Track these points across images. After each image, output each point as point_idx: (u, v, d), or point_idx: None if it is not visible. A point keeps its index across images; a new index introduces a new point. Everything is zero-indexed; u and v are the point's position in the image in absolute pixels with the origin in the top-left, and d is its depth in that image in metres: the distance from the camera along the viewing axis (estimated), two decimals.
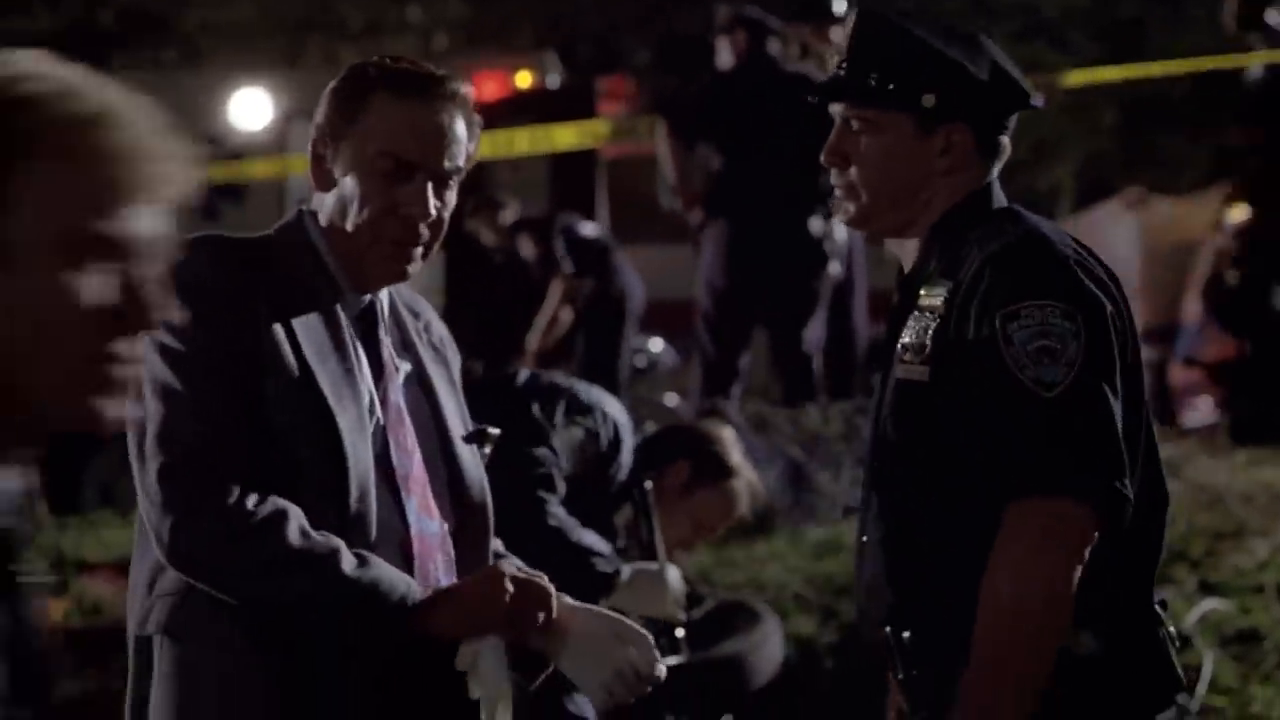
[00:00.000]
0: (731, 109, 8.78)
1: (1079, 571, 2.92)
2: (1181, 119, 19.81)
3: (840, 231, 9.07)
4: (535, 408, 4.69)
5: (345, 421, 2.95)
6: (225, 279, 2.97)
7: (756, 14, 9.14)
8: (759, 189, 8.67)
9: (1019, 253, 3.04)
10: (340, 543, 2.89)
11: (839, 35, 8.93)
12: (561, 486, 4.66)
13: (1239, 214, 9.45)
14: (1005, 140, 3.21)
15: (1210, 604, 6.50)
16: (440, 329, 3.25)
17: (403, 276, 3.08)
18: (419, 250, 3.04)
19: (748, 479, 5.06)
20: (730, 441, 5.08)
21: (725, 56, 9.12)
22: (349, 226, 3.03)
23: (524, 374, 4.91)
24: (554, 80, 12.02)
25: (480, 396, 3.55)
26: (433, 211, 3.03)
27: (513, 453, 3.70)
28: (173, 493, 2.88)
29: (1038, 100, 3.19)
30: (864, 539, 3.19)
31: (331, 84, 3.10)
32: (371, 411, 3.01)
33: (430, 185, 3.02)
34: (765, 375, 9.40)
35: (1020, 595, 2.91)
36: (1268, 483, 7.67)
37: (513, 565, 3.12)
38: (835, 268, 9.07)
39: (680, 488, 4.97)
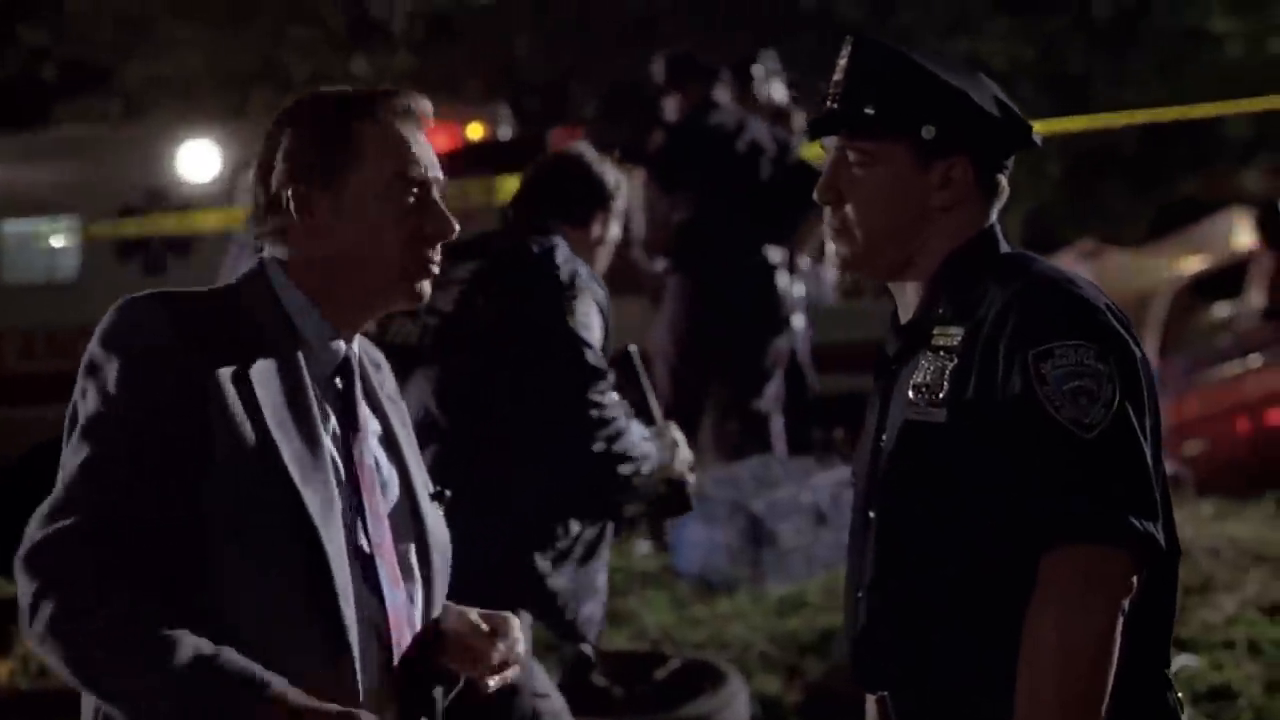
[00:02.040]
0: (691, 158, 8.68)
1: (1120, 625, 2.80)
2: (1128, 172, 19.90)
3: (800, 287, 8.98)
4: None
5: (314, 502, 2.74)
6: (173, 343, 2.74)
7: (705, 61, 9.05)
8: (723, 240, 8.58)
9: (1047, 292, 2.92)
10: (179, 638, 2.63)
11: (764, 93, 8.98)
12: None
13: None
14: (1004, 180, 3.09)
15: (1181, 661, 6.40)
16: (393, 381, 3.08)
17: (423, 297, 2.92)
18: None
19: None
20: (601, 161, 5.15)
21: (671, 105, 9.01)
22: (369, 262, 2.85)
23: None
24: (505, 131, 11.88)
25: None
26: (457, 226, 2.90)
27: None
28: (40, 564, 2.66)
29: (1038, 138, 3.08)
30: (858, 593, 3.06)
31: (289, 127, 2.88)
32: (339, 480, 2.81)
33: (441, 200, 2.90)
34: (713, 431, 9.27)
35: (1067, 649, 2.77)
36: (1234, 536, 7.59)
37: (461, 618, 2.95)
38: (799, 321, 8.98)
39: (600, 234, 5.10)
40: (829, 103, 3.11)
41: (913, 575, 2.96)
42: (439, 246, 2.90)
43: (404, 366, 4.57)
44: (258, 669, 2.65)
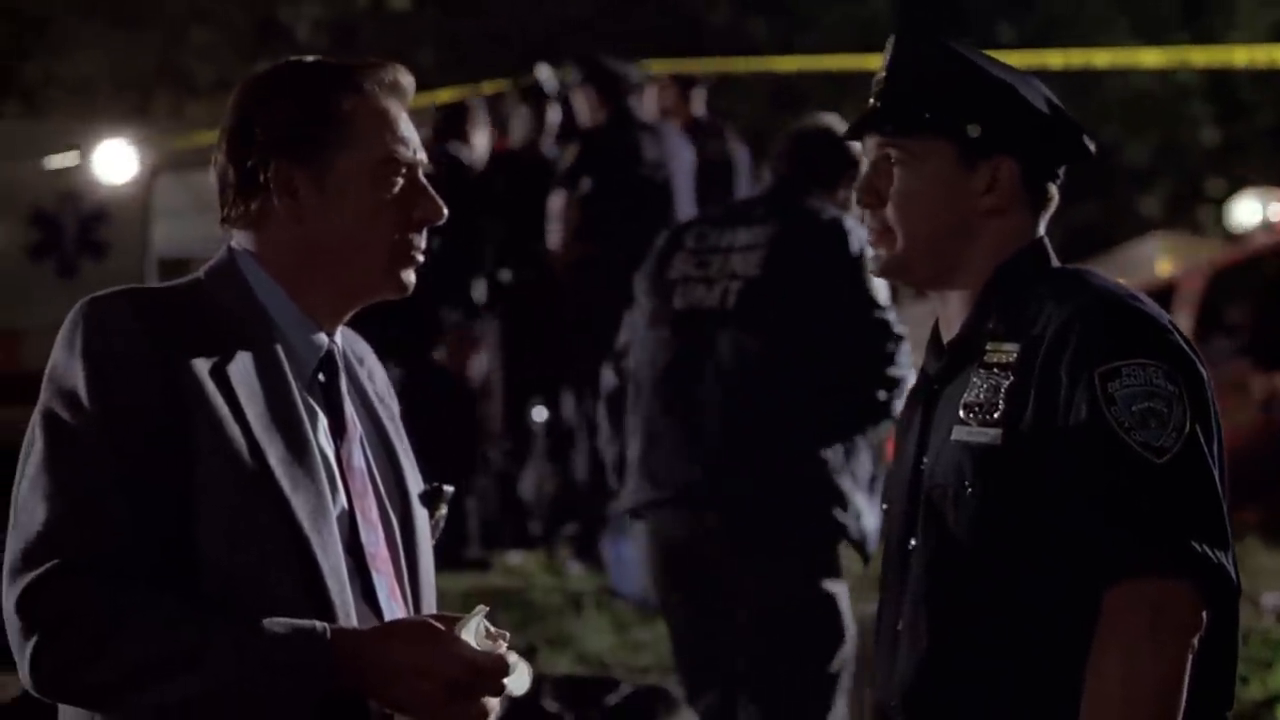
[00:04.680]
0: (605, 168, 8.51)
1: (1190, 665, 2.64)
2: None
3: None
4: None
5: (305, 509, 2.50)
6: (145, 342, 2.48)
7: (616, 67, 8.86)
8: (638, 249, 8.40)
9: (1112, 309, 2.75)
10: (216, 627, 2.42)
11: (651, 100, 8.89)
12: None
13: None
14: (1054, 189, 2.93)
15: None
16: (382, 374, 2.82)
17: (409, 287, 2.67)
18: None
19: None
20: None
21: (581, 112, 8.82)
22: (356, 248, 2.60)
23: None
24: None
25: None
26: (445, 211, 2.66)
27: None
28: (33, 613, 2.40)
29: (1091, 144, 2.93)
30: (897, 626, 2.88)
31: (266, 97, 2.61)
32: (333, 486, 2.57)
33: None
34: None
35: (1135, 691, 2.59)
36: None
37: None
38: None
39: None
40: (871, 100, 2.94)
41: (963, 609, 2.79)
42: (424, 233, 2.66)
43: (702, 329, 5.01)
44: (300, 622, 2.45)
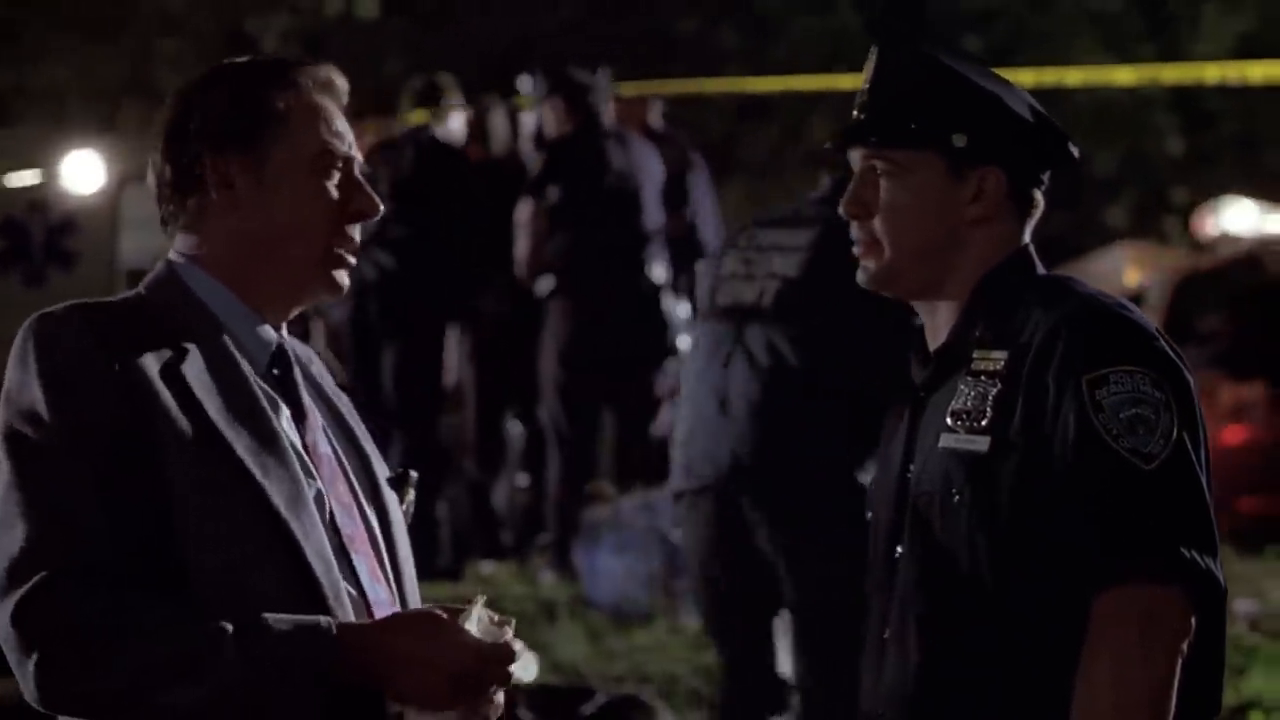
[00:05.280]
0: (572, 177, 8.50)
1: (1179, 671, 2.64)
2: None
3: (686, 309, 8.82)
4: None
5: (280, 494, 2.50)
6: (98, 353, 2.48)
7: (580, 76, 8.85)
8: (604, 262, 8.41)
9: (1098, 316, 2.77)
10: (219, 628, 2.41)
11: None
12: None
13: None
14: (1040, 196, 2.94)
15: None
16: (329, 375, 2.83)
17: (343, 288, 2.68)
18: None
19: None
20: None
21: (549, 122, 8.80)
22: (293, 240, 2.61)
23: None
24: None
25: None
26: (381, 206, 2.69)
27: None
28: (31, 629, 2.40)
29: (1075, 150, 2.94)
30: (884, 635, 2.88)
31: (203, 94, 2.61)
32: (306, 472, 2.57)
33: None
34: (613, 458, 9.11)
35: (1125, 697, 2.60)
36: None
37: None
38: (685, 343, 8.81)
39: None
40: (856, 113, 2.95)
41: (951, 617, 2.79)
42: (358, 229, 2.68)
43: (738, 324, 5.21)
44: (303, 618, 2.45)
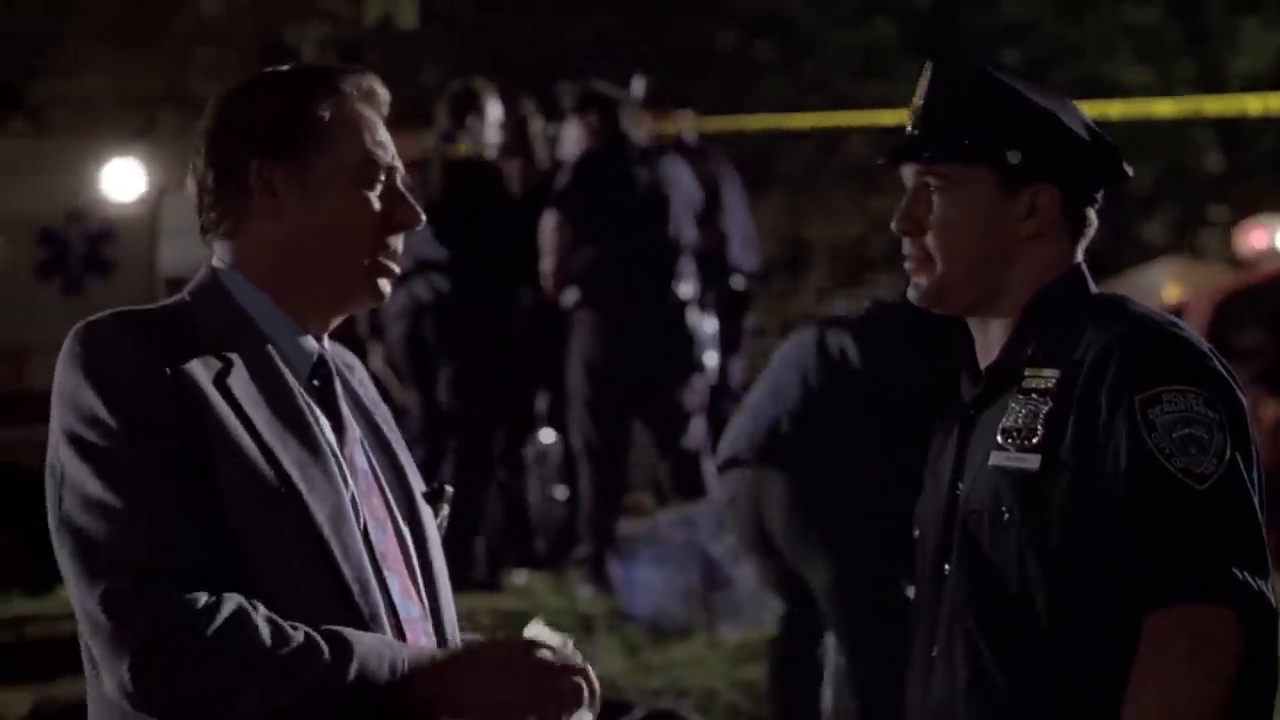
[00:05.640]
0: (600, 190, 8.48)
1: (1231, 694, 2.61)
2: None
3: (712, 323, 8.78)
4: None
5: (323, 510, 2.50)
6: (148, 359, 2.48)
7: (609, 91, 8.83)
8: (631, 276, 8.38)
9: (1152, 335, 2.75)
10: (308, 633, 2.43)
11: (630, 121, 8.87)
12: None
13: None
14: (1093, 215, 2.92)
15: None
16: (371, 384, 2.82)
17: (385, 296, 2.68)
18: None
19: None
20: None
21: (576, 137, 8.78)
22: (336, 249, 2.61)
23: None
24: None
25: None
26: (424, 216, 2.69)
27: None
28: (124, 623, 2.39)
29: (1129, 169, 2.92)
30: (932, 652, 2.86)
31: (247, 99, 2.62)
32: (346, 485, 2.57)
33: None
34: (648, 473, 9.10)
35: (1175, 718, 2.58)
36: None
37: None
38: (712, 359, 8.79)
39: None
40: (910, 128, 2.93)
41: (1000, 635, 2.77)
42: (401, 239, 2.67)
43: (825, 330, 5.58)
44: (383, 638, 2.49)
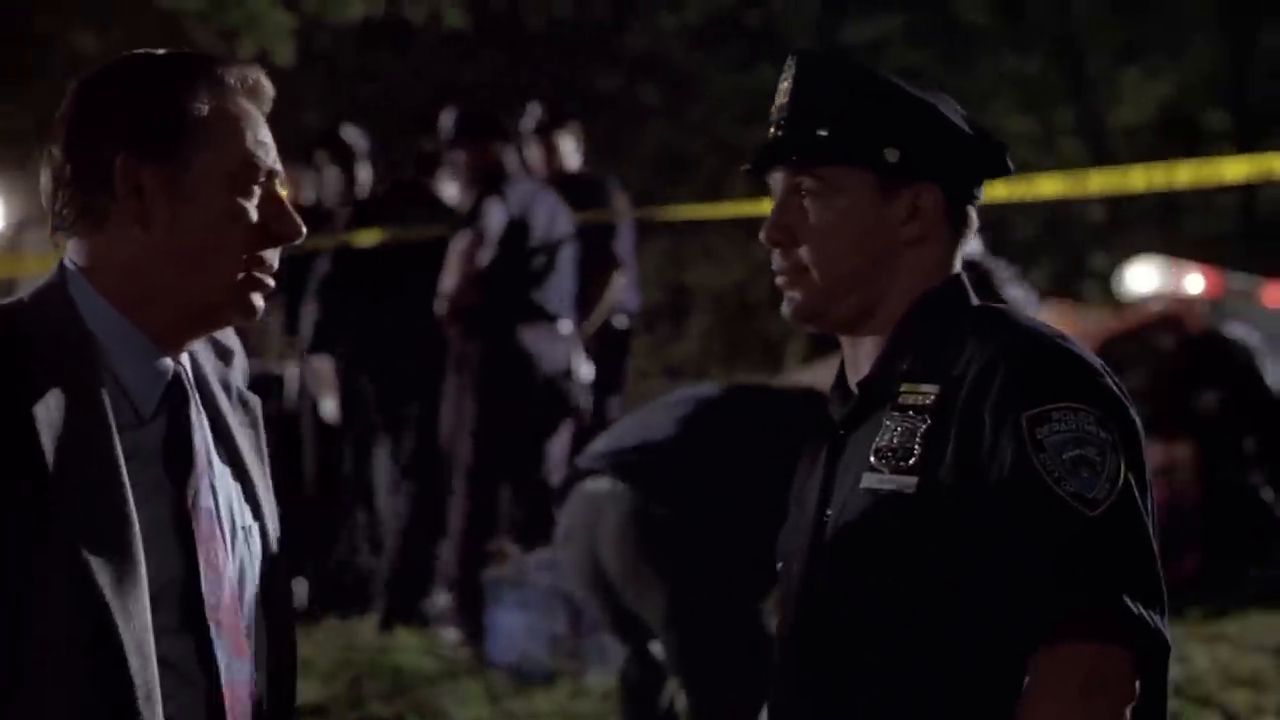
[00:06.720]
0: (470, 224, 8.23)
1: None
2: None
3: (589, 369, 8.54)
4: None
5: (106, 573, 2.20)
6: None
7: (488, 124, 8.56)
8: (508, 312, 8.13)
9: (1040, 350, 2.52)
10: None
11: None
12: None
13: None
14: (974, 214, 2.70)
15: None
16: (244, 366, 2.53)
17: (258, 312, 2.40)
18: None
19: None
20: None
21: (458, 163, 8.51)
22: (207, 261, 2.32)
23: None
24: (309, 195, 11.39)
25: None
26: (304, 229, 2.40)
27: None
28: None
29: (1012, 163, 2.70)
30: (797, 686, 2.63)
31: (113, 84, 2.32)
32: (170, 531, 2.30)
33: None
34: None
35: None
36: None
37: None
38: (586, 401, 8.53)
39: None
40: (774, 130, 2.69)
41: (870, 668, 2.54)
42: (277, 252, 2.39)
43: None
44: None
